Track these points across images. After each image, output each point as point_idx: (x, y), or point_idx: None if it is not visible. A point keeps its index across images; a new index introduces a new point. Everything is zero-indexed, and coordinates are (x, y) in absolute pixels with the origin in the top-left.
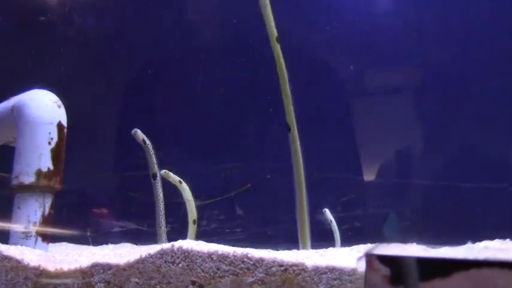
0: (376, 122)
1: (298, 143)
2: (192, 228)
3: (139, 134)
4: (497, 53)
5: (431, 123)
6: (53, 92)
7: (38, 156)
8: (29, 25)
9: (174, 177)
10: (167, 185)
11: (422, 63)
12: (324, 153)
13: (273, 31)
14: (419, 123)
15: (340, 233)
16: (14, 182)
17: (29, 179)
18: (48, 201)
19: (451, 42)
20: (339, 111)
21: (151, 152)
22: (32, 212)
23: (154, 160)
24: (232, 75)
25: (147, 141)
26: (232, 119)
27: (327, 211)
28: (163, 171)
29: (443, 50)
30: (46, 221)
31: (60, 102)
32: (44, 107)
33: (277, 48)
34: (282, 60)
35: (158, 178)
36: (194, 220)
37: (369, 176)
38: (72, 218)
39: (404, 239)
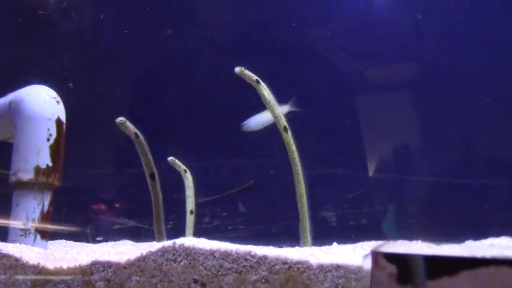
0: (379, 119)
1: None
2: (189, 220)
3: (130, 125)
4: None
5: (433, 119)
6: (51, 88)
7: (36, 153)
8: (29, 21)
9: (180, 165)
10: (168, 182)
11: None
12: (328, 150)
13: (281, 122)
14: (421, 120)
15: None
16: (12, 178)
17: (28, 175)
18: (47, 198)
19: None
20: (343, 108)
21: (146, 148)
22: (30, 209)
23: (151, 157)
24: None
25: (140, 135)
26: (237, 114)
27: None
28: (170, 158)
29: (444, 47)
30: (45, 218)
31: (59, 98)
32: (42, 103)
33: (287, 137)
34: (293, 148)
35: (157, 178)
36: (191, 211)
37: (373, 172)
38: (71, 215)
39: (405, 236)
